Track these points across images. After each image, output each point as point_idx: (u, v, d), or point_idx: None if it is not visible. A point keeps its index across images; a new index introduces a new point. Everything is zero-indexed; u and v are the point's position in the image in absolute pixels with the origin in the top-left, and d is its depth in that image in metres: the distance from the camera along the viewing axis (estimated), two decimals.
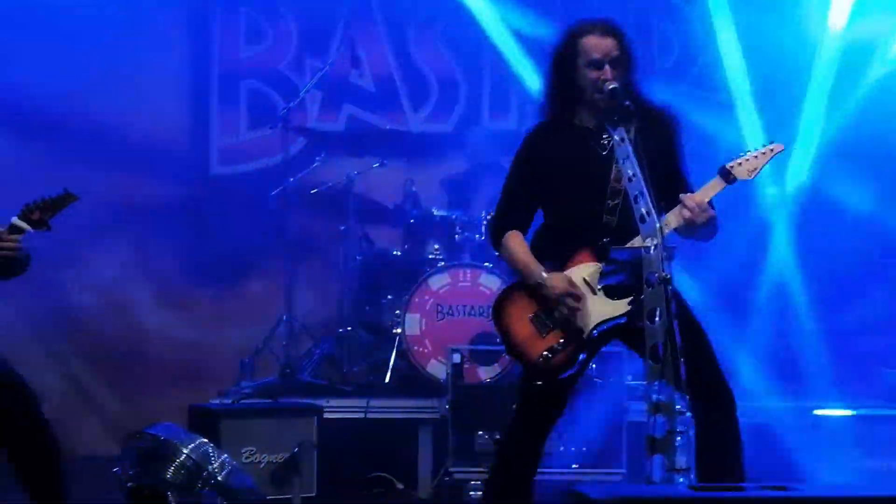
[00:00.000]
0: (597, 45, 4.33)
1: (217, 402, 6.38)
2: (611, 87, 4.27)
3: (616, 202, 4.29)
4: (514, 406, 4.60)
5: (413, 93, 8.28)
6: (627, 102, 4.24)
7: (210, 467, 3.59)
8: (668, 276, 3.92)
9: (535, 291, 4.35)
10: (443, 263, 6.87)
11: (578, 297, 4.26)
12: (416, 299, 6.72)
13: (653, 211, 4.04)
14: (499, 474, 4.58)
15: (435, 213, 7.17)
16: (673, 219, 4.20)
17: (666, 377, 3.88)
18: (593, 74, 4.31)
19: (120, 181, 7.97)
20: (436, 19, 8.24)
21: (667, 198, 4.19)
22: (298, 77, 8.14)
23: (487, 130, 7.90)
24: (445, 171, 7.91)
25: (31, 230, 4.41)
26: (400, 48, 8.26)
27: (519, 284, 4.48)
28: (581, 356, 4.31)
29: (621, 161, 4.21)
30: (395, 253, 7.30)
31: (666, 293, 3.88)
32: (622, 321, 4.27)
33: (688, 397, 4.12)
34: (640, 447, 5.73)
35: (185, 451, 3.63)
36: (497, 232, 4.55)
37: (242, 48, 8.23)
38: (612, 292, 4.27)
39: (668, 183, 4.24)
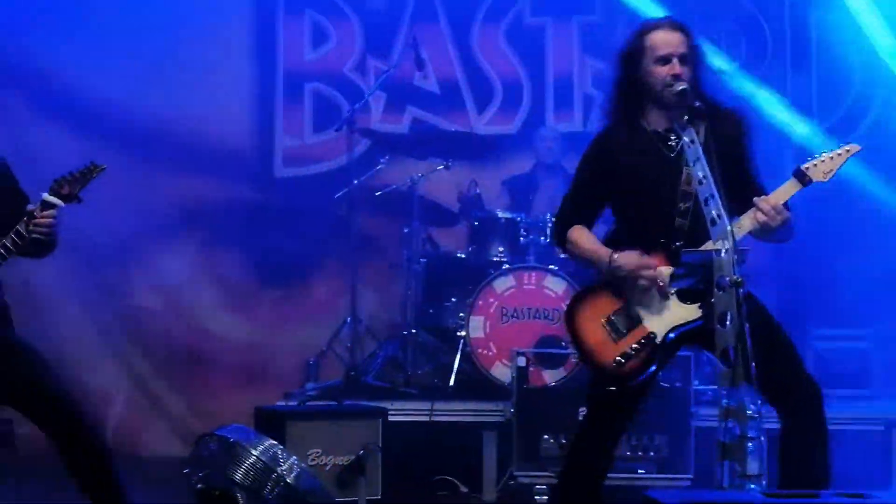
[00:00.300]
0: (665, 40, 4.31)
1: (283, 403, 6.43)
2: (680, 87, 4.23)
3: (687, 205, 4.25)
4: (584, 412, 4.59)
5: (477, 94, 8.29)
6: (697, 103, 4.23)
7: (279, 469, 3.62)
8: (740, 280, 3.90)
9: (607, 293, 4.34)
10: (507, 266, 6.86)
11: (653, 267, 4.22)
12: (481, 302, 6.71)
13: (724, 214, 4.01)
14: (567, 480, 4.55)
15: (499, 214, 7.16)
16: (747, 222, 4.16)
17: (737, 381, 3.87)
18: (662, 70, 4.28)
19: (185, 184, 8.09)
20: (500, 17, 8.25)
21: (738, 200, 4.13)
22: (362, 79, 8.20)
23: (552, 132, 7.87)
24: (508, 172, 7.91)
25: (63, 205, 4.44)
26: (464, 49, 8.29)
27: (591, 288, 4.47)
28: (654, 362, 4.28)
29: (692, 163, 4.18)
30: (459, 255, 7.30)
31: (737, 296, 3.86)
32: (697, 325, 4.22)
33: (768, 399, 4.14)
34: (707, 453, 5.74)
35: (254, 453, 3.66)
36: (561, 230, 4.52)
37: (307, 51, 8.31)
38: (685, 296, 4.24)
39: (739, 185, 4.20)
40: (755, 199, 4.14)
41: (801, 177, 4.19)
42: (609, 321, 4.30)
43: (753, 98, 7.79)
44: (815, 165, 4.21)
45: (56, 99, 7.95)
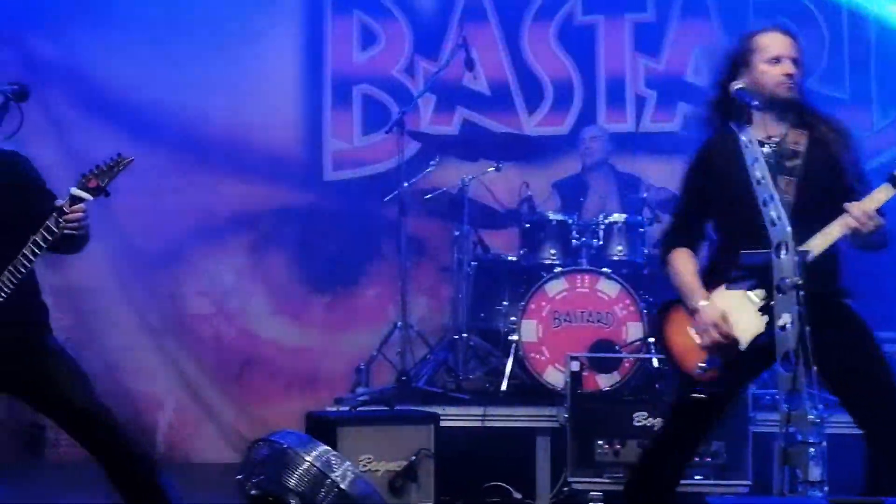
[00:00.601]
0: (778, 40, 4.32)
1: (334, 409, 6.44)
2: (790, 94, 4.26)
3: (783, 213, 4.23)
4: (666, 417, 4.58)
5: (527, 95, 8.28)
6: (806, 111, 4.26)
7: (333, 475, 3.63)
8: (801, 282, 3.86)
9: None
10: (559, 269, 6.83)
11: (726, 334, 4.20)
12: (533, 305, 6.69)
13: (783, 216, 3.98)
14: (637, 488, 4.56)
15: (551, 217, 7.13)
16: (837, 228, 4.11)
17: (798, 385, 3.82)
18: (774, 69, 4.28)
19: (234, 189, 8.14)
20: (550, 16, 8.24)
21: (836, 208, 4.11)
22: (411, 80, 8.21)
23: (591, 131, 7.83)
24: (559, 174, 7.89)
25: (91, 198, 4.45)
26: (514, 49, 8.28)
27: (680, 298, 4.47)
28: (738, 370, 4.29)
29: (750, 164, 4.15)
30: (510, 258, 7.28)
31: (798, 299, 3.82)
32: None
33: (854, 420, 4.12)
34: (765, 458, 5.69)
35: (308, 458, 3.67)
36: (666, 248, 4.54)
37: (355, 53, 8.32)
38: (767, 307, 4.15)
39: (842, 193, 4.17)
40: (846, 204, 4.07)
41: (895, 181, 4.11)
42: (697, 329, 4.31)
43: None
44: None
45: (105, 103, 8.02)
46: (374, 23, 8.33)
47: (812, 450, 3.79)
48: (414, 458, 5.87)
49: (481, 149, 7.52)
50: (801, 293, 3.84)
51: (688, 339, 4.31)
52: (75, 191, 4.41)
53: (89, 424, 4.55)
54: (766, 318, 4.16)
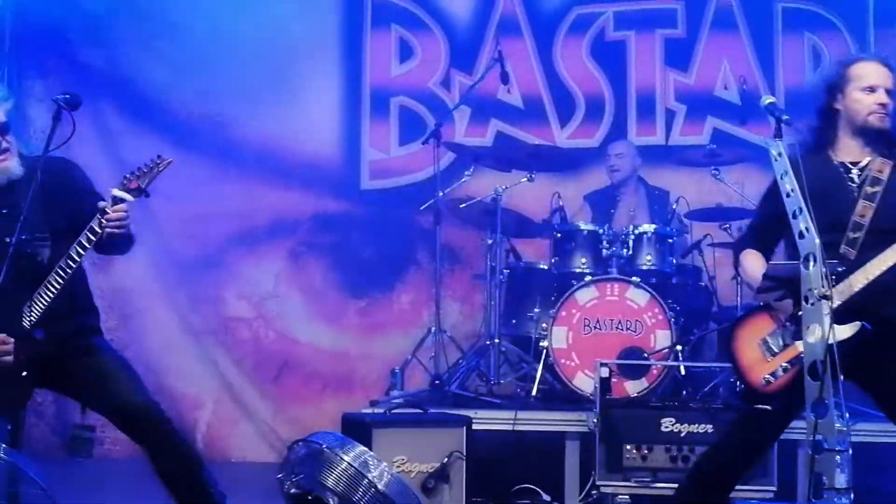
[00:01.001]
0: (874, 70, 4.34)
1: (369, 411, 6.44)
2: (881, 124, 4.29)
3: (857, 235, 4.25)
4: (728, 427, 4.58)
5: (560, 108, 8.30)
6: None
7: (370, 475, 3.64)
8: (829, 293, 3.85)
9: (766, 315, 4.35)
10: (590, 277, 6.82)
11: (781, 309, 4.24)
12: (563, 313, 6.68)
13: (812, 227, 3.97)
14: (693, 492, 4.57)
15: (582, 227, 7.12)
16: (892, 253, 4.14)
17: (825, 394, 3.81)
18: (868, 98, 4.31)
19: (273, 196, 8.20)
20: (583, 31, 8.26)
21: None
22: (447, 93, 8.24)
23: (616, 148, 7.81)
24: (590, 185, 7.88)
25: (132, 199, 4.48)
26: (547, 63, 8.29)
27: (753, 310, 4.48)
28: (797, 382, 4.21)
29: (779, 176, 4.14)
30: (541, 266, 7.27)
31: (827, 310, 3.81)
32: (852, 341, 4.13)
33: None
34: (790, 464, 5.67)
35: (346, 459, 3.68)
36: (736, 254, 4.60)
37: (393, 65, 8.35)
38: (840, 319, 4.09)
39: None
40: None
41: None
42: (763, 341, 4.33)
43: None
44: None
45: (151, 112, 8.09)
46: (412, 36, 8.37)
47: (838, 457, 3.78)
48: (446, 460, 5.88)
49: (514, 160, 7.51)
50: (830, 304, 3.85)
51: (756, 352, 4.34)
52: (116, 192, 4.45)
53: (140, 420, 4.58)
54: (836, 326, 4.17)
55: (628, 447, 5.96)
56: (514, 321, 7.25)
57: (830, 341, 3.80)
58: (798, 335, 4.23)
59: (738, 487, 5.69)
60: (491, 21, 8.29)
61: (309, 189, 8.23)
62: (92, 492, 3.69)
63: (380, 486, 3.61)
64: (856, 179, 4.32)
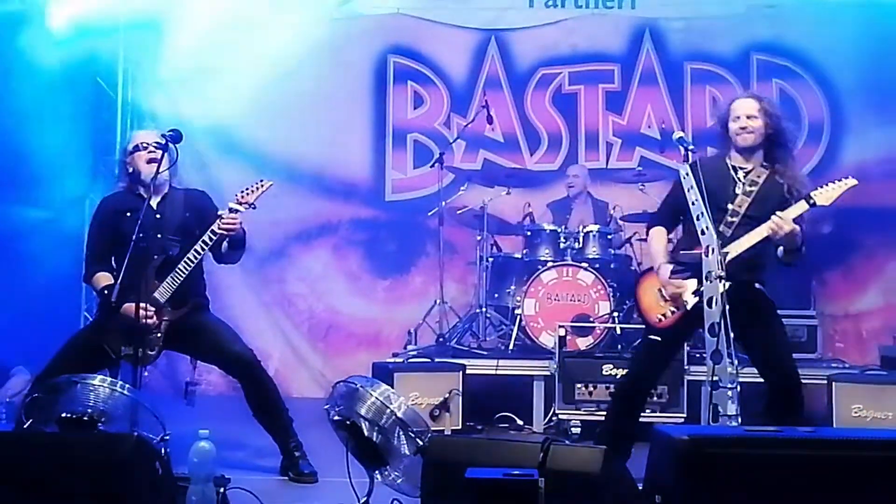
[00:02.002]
0: (741, 104, 4.41)
1: (392, 360, 6.46)
2: (744, 144, 4.36)
3: (734, 220, 4.27)
4: (633, 356, 4.70)
5: (529, 141, 8.26)
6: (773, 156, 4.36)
7: (392, 406, 3.62)
8: (723, 274, 3.86)
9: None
10: (551, 263, 6.82)
11: (678, 286, 4.28)
12: (532, 289, 6.68)
13: (710, 226, 3.99)
14: (614, 410, 4.58)
15: (546, 227, 7.11)
16: (757, 233, 4.17)
17: (720, 347, 3.82)
18: (735, 125, 4.38)
19: (322, 204, 8.18)
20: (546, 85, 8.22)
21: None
22: (448, 131, 8.21)
23: (571, 172, 7.76)
24: (553, 196, 7.87)
25: (243, 210, 4.51)
26: (520, 109, 8.26)
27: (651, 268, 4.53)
28: (685, 323, 4.33)
29: (687, 189, 4.16)
30: (516, 256, 7.26)
31: (721, 286, 3.82)
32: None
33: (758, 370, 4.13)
34: (696, 399, 5.67)
35: (374, 394, 3.67)
36: (651, 226, 4.61)
37: (409, 111, 8.33)
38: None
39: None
40: (773, 215, 4.10)
41: (808, 199, 4.16)
42: (660, 290, 4.38)
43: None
44: (821, 193, 4.18)
45: (233, 145, 8.03)
46: (423, 89, 8.33)
47: (729, 392, 3.79)
48: (447, 395, 5.90)
49: (497, 179, 7.50)
50: (726, 283, 3.87)
51: (653, 297, 4.37)
52: (232, 205, 4.50)
53: (239, 363, 4.62)
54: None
55: (579, 386, 5.97)
56: (496, 295, 7.24)
57: (721, 308, 3.82)
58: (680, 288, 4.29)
59: (655, 415, 5.74)
60: (480, 78, 8.25)
61: (347, 200, 8.20)
62: (193, 421, 3.72)
63: (399, 414, 3.60)
64: (741, 179, 4.33)
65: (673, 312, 4.31)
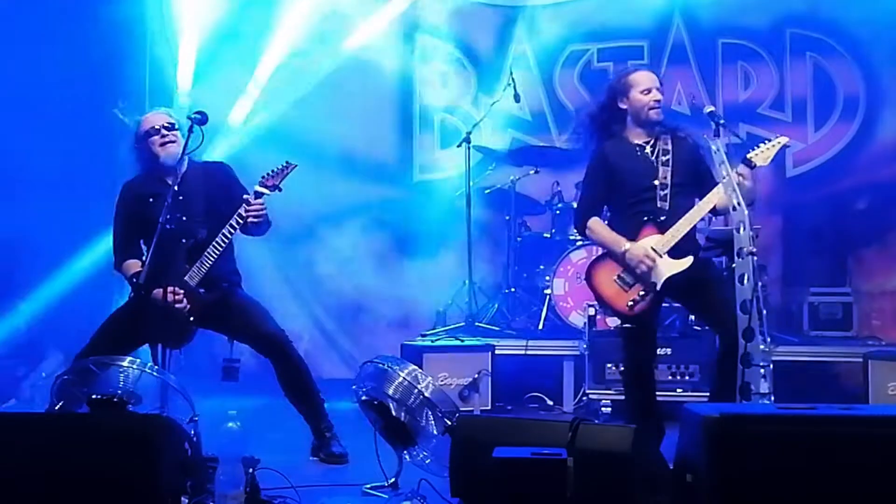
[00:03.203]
0: (646, 77, 4.49)
1: (421, 341, 6.45)
2: (658, 117, 4.45)
3: (665, 192, 4.32)
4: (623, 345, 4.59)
5: (557, 120, 8.18)
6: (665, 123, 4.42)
7: (419, 386, 3.62)
8: (754, 250, 3.81)
9: (615, 259, 4.36)
10: (580, 242, 6.77)
11: (653, 259, 4.26)
12: (561, 268, 6.65)
13: (742, 202, 3.95)
14: (628, 393, 4.56)
15: (574, 205, 7.04)
16: (714, 196, 4.27)
17: (752, 324, 3.76)
18: (646, 98, 4.42)
19: (352, 185, 8.15)
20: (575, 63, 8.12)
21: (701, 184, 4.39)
22: (475, 110, 8.13)
23: None
24: (580, 175, 7.75)
25: (269, 193, 4.52)
26: (549, 87, 8.18)
27: (600, 256, 4.51)
28: (656, 302, 4.35)
29: (718, 164, 4.16)
30: (545, 235, 7.23)
31: (754, 263, 3.77)
32: (686, 274, 4.27)
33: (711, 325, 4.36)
34: None
35: (402, 374, 3.66)
36: (582, 221, 4.56)
37: (437, 91, 8.22)
38: (675, 254, 4.28)
39: (701, 175, 4.43)
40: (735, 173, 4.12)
41: (748, 162, 4.20)
42: (619, 277, 4.35)
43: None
44: (757, 154, 4.22)
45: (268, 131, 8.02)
46: (450, 70, 8.27)
47: (762, 370, 3.74)
48: (477, 375, 5.89)
49: (525, 158, 7.44)
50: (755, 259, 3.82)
51: (614, 287, 4.35)
52: (258, 187, 4.51)
53: (273, 343, 4.64)
54: (673, 264, 4.20)
55: (609, 365, 5.94)
56: (525, 275, 7.23)
57: (752, 286, 3.77)
58: (634, 275, 4.30)
59: (686, 394, 5.69)
60: (507, 57, 8.17)
61: (376, 181, 8.16)
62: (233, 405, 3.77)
63: (426, 394, 3.60)
64: (649, 154, 4.38)
65: (643, 296, 4.28)
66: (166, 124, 4.60)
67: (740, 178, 4.09)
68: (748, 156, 4.22)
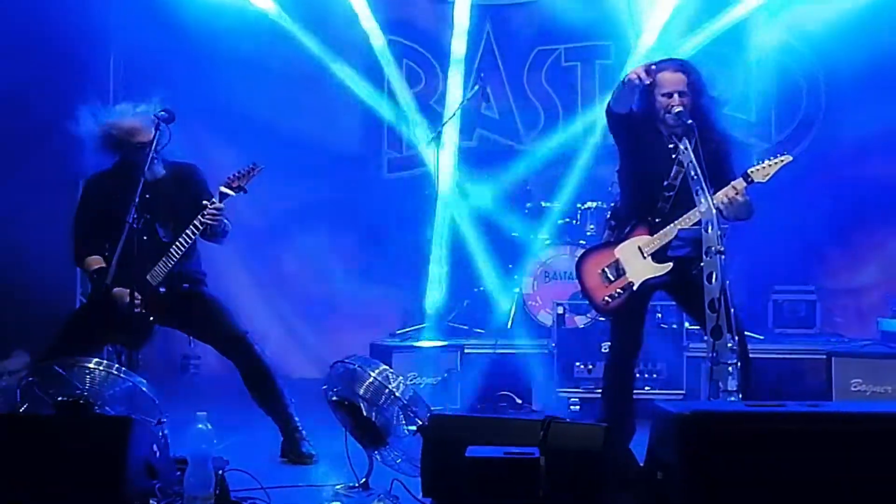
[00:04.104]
0: (670, 79, 4.31)
1: (390, 340, 6.43)
2: (676, 111, 4.25)
3: (670, 194, 4.29)
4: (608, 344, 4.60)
5: (525, 119, 8.18)
6: (690, 122, 4.20)
7: (390, 386, 3.61)
8: (722, 249, 3.84)
9: (605, 250, 4.40)
10: (548, 241, 6.80)
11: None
12: (531, 267, 6.67)
13: (710, 202, 3.96)
14: (607, 388, 4.59)
15: (543, 204, 7.09)
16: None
17: (720, 323, 3.79)
18: (665, 101, 4.30)
19: (319, 183, 8.03)
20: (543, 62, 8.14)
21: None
22: (444, 109, 8.09)
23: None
24: (549, 175, 7.78)
25: (234, 194, 4.50)
26: (516, 86, 8.18)
27: (596, 246, 4.57)
28: (631, 302, 4.34)
29: (685, 163, 4.15)
30: (514, 234, 7.23)
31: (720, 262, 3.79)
32: (665, 280, 4.30)
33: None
34: (695, 375, 5.66)
35: (372, 374, 3.65)
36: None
37: (405, 88, 8.21)
38: (658, 258, 4.28)
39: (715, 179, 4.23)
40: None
41: (746, 177, 4.19)
42: (602, 271, 4.36)
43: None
44: (758, 170, 4.21)
45: (228, 124, 7.91)
46: (418, 68, 8.24)
47: (730, 368, 3.77)
48: (446, 374, 5.88)
49: (493, 156, 7.44)
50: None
51: (597, 279, 4.39)
52: (223, 188, 4.47)
53: (235, 346, 4.59)
54: (654, 266, 4.23)
55: (578, 364, 5.96)
56: (494, 274, 7.21)
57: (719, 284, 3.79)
58: (617, 272, 4.33)
59: (655, 392, 5.73)
60: (475, 56, 8.14)
61: (345, 178, 8.00)
62: (192, 404, 3.71)
63: (397, 394, 3.59)
64: (670, 153, 4.30)
65: (619, 294, 4.32)
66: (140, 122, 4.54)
67: (735, 192, 4.11)
68: (748, 171, 4.18)
